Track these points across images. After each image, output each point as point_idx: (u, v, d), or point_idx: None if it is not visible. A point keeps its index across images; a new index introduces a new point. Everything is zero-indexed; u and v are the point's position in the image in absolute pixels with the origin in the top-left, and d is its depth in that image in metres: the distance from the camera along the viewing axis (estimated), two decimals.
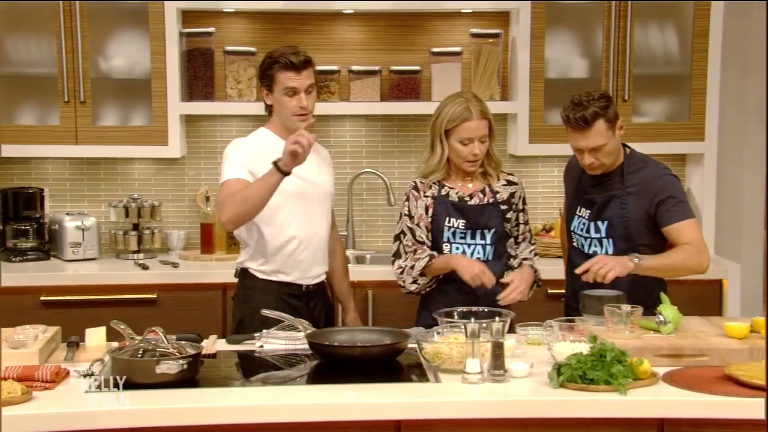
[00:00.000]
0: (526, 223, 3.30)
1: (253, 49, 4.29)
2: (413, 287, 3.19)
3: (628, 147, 3.17)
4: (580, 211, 3.18)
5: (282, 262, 3.16)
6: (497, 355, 2.51)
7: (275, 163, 2.88)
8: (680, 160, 4.52)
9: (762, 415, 2.27)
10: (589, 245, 3.14)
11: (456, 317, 2.83)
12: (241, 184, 2.99)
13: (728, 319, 3.03)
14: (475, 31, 4.35)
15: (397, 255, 3.22)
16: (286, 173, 2.89)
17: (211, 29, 4.28)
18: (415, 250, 3.17)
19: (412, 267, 3.14)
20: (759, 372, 2.48)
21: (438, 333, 2.73)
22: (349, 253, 4.42)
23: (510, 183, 3.26)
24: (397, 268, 3.20)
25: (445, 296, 3.16)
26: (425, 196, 3.19)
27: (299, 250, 3.16)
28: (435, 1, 4.28)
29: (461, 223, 3.16)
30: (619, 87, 4.24)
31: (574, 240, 3.22)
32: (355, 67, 4.33)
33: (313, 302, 3.23)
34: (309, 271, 3.20)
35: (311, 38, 4.42)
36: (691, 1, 4.29)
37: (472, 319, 2.55)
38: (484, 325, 2.56)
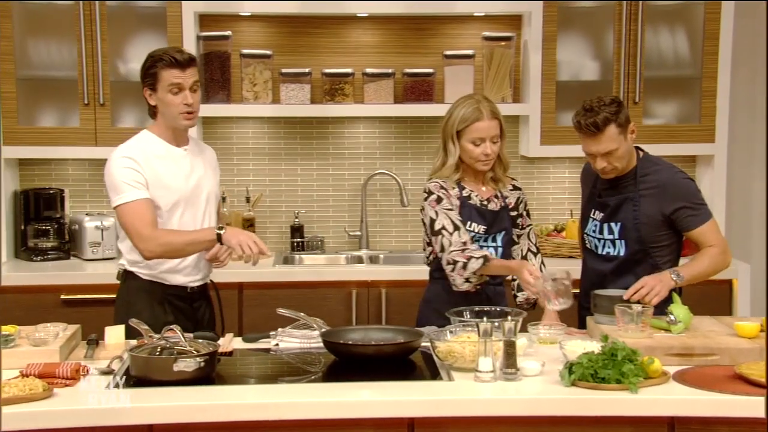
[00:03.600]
0: (523, 227, 3.29)
1: (269, 52, 4.34)
2: (465, 286, 3.06)
3: (642, 150, 3.19)
4: (593, 214, 3.21)
5: (167, 266, 3.08)
6: (509, 353, 2.54)
7: (219, 235, 2.95)
8: (690, 161, 4.54)
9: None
10: (603, 246, 3.17)
11: (468, 316, 2.86)
12: (147, 206, 2.99)
13: (738, 319, 3.04)
14: (487, 34, 4.39)
15: (441, 249, 3.08)
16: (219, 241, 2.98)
17: (227, 33, 4.33)
18: (464, 248, 3.04)
19: (464, 266, 3.02)
20: None
21: (451, 332, 2.76)
22: (363, 252, 4.48)
23: (515, 188, 3.29)
24: (447, 264, 3.06)
25: (452, 296, 3.14)
26: (453, 195, 3.16)
27: None
28: (448, 1, 4.33)
29: (482, 228, 3.15)
30: (629, 89, 4.27)
31: (587, 242, 3.25)
32: (369, 70, 4.37)
33: (197, 303, 3.18)
34: (193, 274, 3.14)
35: (326, 41, 4.48)
36: (702, 2, 4.32)
37: (485, 318, 2.57)
38: (497, 324, 2.58)
